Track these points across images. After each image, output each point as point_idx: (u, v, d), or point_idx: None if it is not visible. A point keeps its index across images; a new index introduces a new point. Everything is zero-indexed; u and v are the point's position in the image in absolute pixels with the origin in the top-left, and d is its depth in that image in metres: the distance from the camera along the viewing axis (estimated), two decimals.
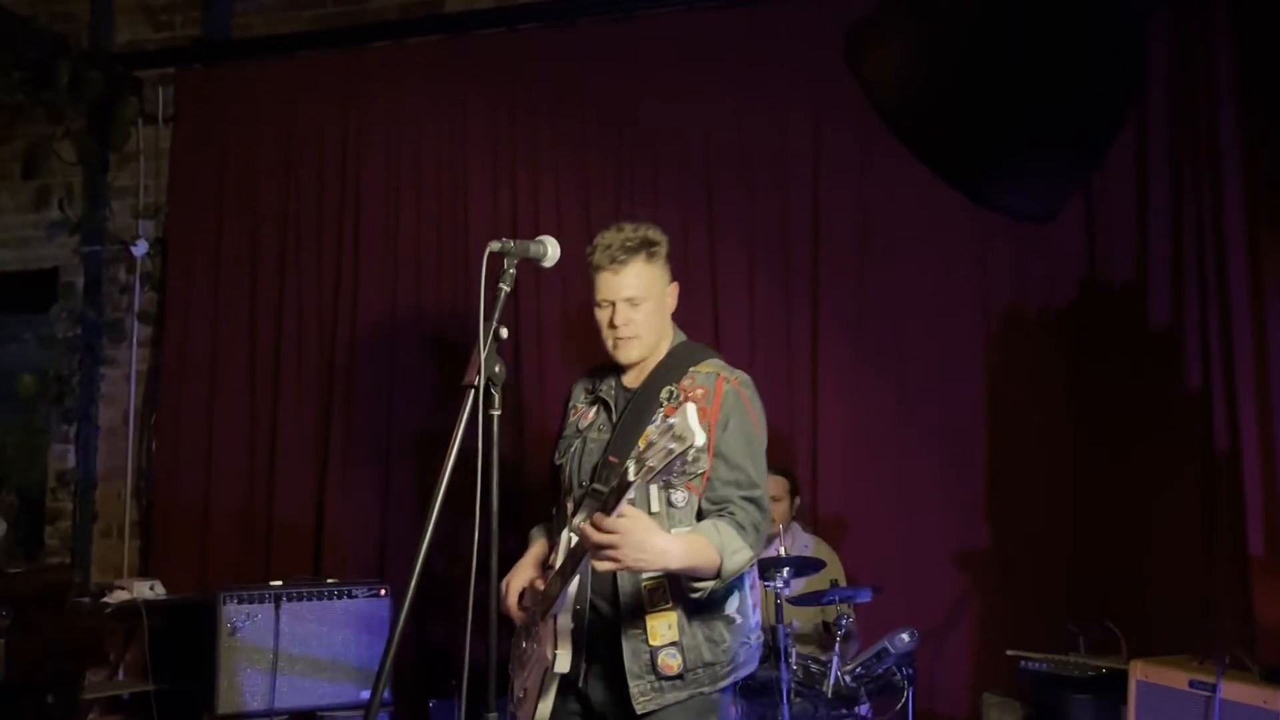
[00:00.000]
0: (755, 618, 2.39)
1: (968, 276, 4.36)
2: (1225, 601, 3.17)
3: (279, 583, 3.90)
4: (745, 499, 2.24)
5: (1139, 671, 2.94)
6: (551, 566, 2.31)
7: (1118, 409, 3.92)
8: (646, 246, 2.37)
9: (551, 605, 2.22)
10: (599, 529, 2.00)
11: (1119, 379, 3.92)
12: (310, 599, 3.86)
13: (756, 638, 2.38)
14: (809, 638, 3.91)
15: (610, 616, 2.25)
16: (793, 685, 3.25)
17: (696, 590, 2.17)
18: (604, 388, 2.47)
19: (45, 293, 5.00)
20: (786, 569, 3.31)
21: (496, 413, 1.94)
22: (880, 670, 3.43)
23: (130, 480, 4.83)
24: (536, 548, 2.53)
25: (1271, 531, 2.75)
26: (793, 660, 3.32)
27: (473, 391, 1.91)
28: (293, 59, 4.86)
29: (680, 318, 4.45)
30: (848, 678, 3.41)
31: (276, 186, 4.73)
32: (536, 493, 4.42)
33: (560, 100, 4.58)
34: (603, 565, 2.04)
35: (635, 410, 2.33)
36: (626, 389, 2.43)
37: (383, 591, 3.93)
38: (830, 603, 3.54)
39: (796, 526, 4.07)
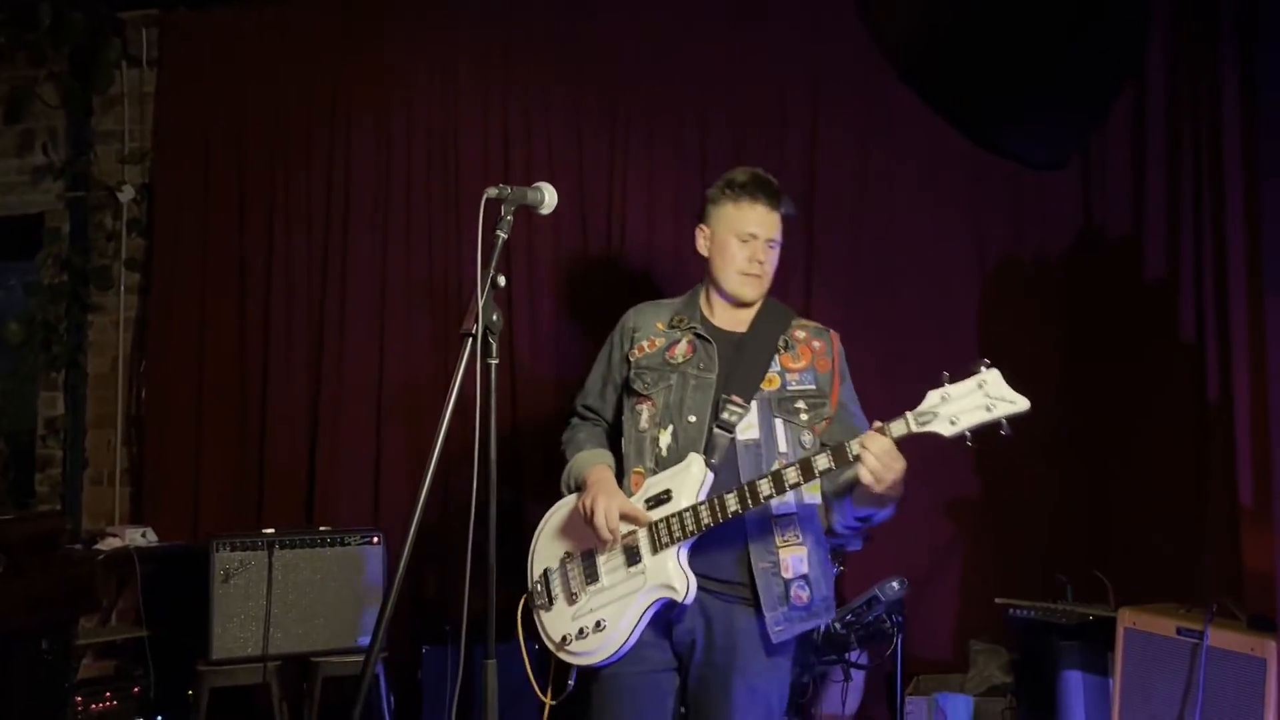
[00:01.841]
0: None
1: (963, 226, 4.35)
2: (1214, 550, 3.20)
3: (271, 530, 3.91)
4: None
5: (1126, 619, 2.97)
6: (664, 499, 2.31)
7: (1111, 358, 3.94)
8: (781, 197, 2.51)
9: (675, 536, 2.26)
10: (879, 452, 2.14)
11: (1113, 328, 3.93)
12: (303, 546, 3.87)
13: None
14: None
15: (739, 549, 2.31)
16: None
17: (860, 523, 2.33)
18: (694, 325, 2.51)
19: (31, 239, 4.94)
20: None
21: (494, 361, 1.93)
22: (870, 618, 3.47)
23: (120, 427, 4.81)
24: (606, 470, 2.47)
25: (1261, 481, 2.77)
26: None
27: (470, 340, 1.90)
28: (280, 1, 4.77)
29: (673, 281, 4.45)
30: (838, 625, 3.45)
31: (264, 131, 4.67)
32: (529, 442, 4.44)
33: (553, 48, 4.51)
34: (871, 479, 2.15)
35: (747, 353, 2.42)
36: (722, 330, 2.49)
37: (375, 539, 3.94)
38: None
39: None
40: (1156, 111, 3.62)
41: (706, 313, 2.53)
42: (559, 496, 2.61)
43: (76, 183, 4.88)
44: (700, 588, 2.28)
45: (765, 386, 2.32)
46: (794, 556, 2.29)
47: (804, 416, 2.35)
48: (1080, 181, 4.10)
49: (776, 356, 2.41)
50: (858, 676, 3.68)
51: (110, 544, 4.15)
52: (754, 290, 2.48)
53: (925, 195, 4.31)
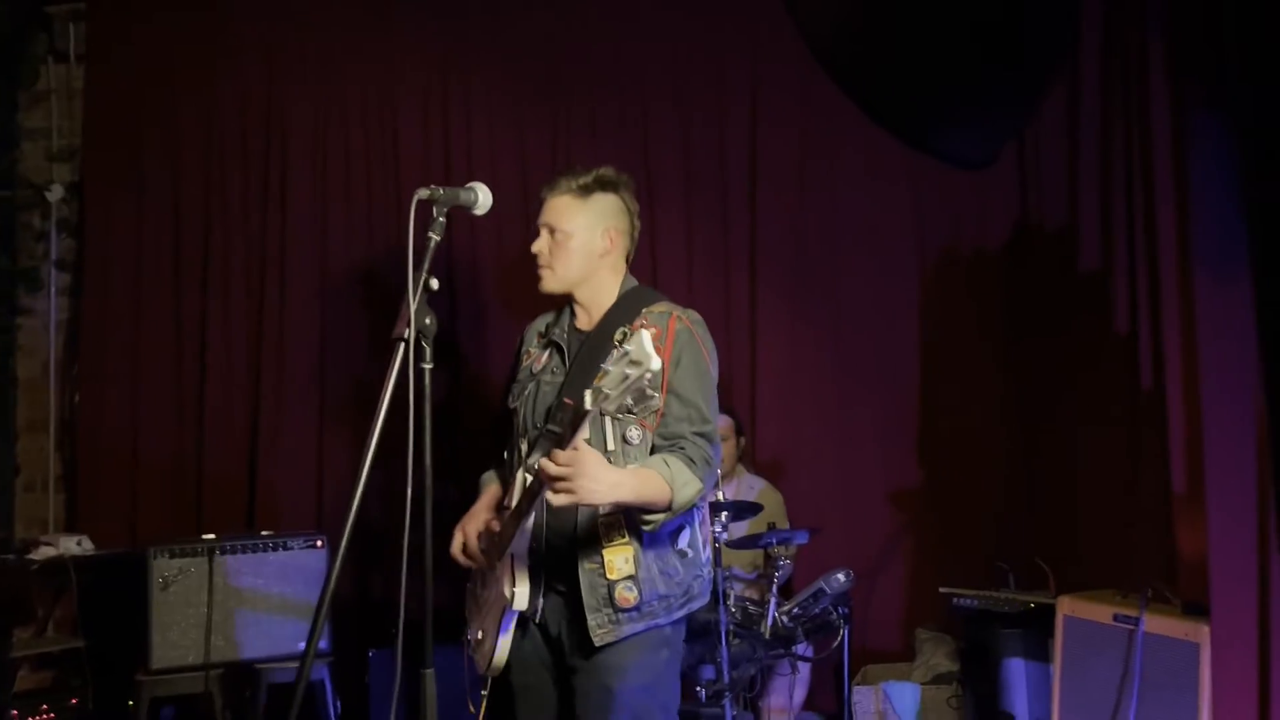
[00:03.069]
0: (706, 553, 2.45)
1: (904, 216, 4.40)
2: (1149, 538, 3.26)
3: (212, 536, 3.84)
4: (697, 434, 2.27)
5: (1066, 606, 3.02)
6: (507, 508, 2.32)
7: (1048, 350, 3.99)
8: (589, 186, 2.38)
9: (508, 544, 2.23)
10: (555, 463, 2.01)
11: (1050, 321, 3.99)
12: (245, 552, 3.80)
13: (707, 572, 2.43)
14: (753, 582, 3.96)
15: (566, 552, 2.27)
16: (731, 627, 3.29)
17: (648, 523, 2.21)
18: (556, 331, 2.47)
19: None
20: (725, 513, 3.33)
21: (428, 366, 1.90)
22: (817, 610, 3.49)
23: (53, 432, 4.69)
24: (489, 492, 2.54)
25: (1194, 469, 2.81)
26: (731, 602, 3.36)
27: (402, 344, 1.87)
28: None
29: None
30: (785, 618, 3.46)
31: (198, 127, 4.56)
32: (473, 440, 4.41)
33: (493, 35, 4.48)
34: (558, 499, 2.05)
35: (589, 352, 2.34)
36: (580, 331, 2.44)
37: (319, 543, 3.88)
38: (767, 546, 3.58)
39: (741, 468, 4.10)
40: (1090, 105, 3.67)
41: (574, 319, 2.47)
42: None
43: (2, 181, 4.74)
44: (555, 591, 2.30)
45: (597, 382, 2.09)
46: (620, 557, 2.23)
47: (632, 411, 2.16)
48: (1016, 173, 4.15)
49: (614, 350, 2.22)
50: (804, 668, 3.70)
51: (45, 553, 4.04)
52: (544, 283, 2.42)
53: (866, 178, 4.36)
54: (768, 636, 3.41)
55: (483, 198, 2.10)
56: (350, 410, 4.41)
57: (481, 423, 4.43)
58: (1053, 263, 3.93)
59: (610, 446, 2.26)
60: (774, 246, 4.46)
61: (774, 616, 3.43)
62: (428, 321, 1.90)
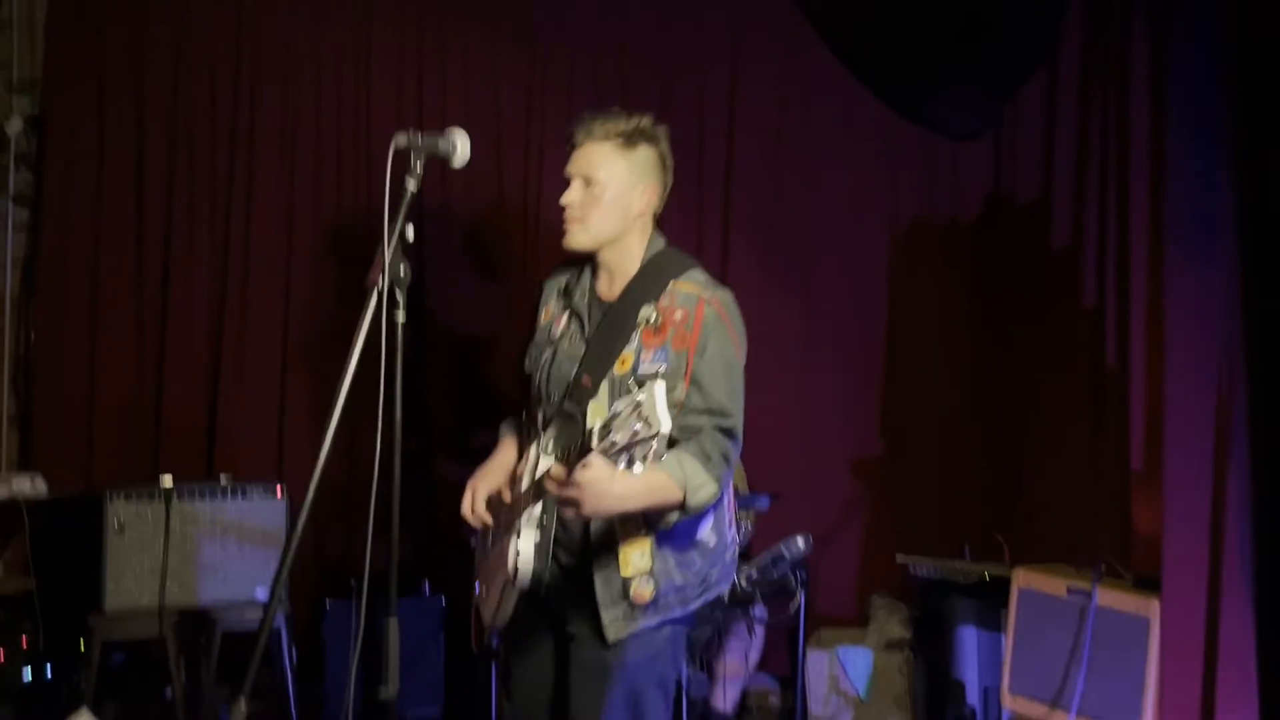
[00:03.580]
0: (730, 533, 2.32)
1: (877, 185, 4.41)
2: (1105, 513, 3.32)
3: (169, 481, 3.79)
4: (717, 428, 2.14)
5: (1020, 578, 3.06)
6: (520, 478, 2.24)
7: (1016, 324, 4.03)
8: (625, 135, 2.20)
9: (516, 521, 2.16)
10: (560, 482, 1.93)
11: (1019, 295, 4.02)
12: (202, 498, 3.76)
13: (731, 555, 2.32)
14: None
15: (580, 543, 2.18)
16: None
17: (664, 523, 2.12)
18: (578, 295, 2.31)
19: None
20: None
21: (401, 316, 1.87)
22: (775, 574, 3.52)
23: (8, 371, 4.59)
24: (505, 451, 2.42)
25: (1152, 447, 2.86)
26: None
27: (376, 293, 1.83)
28: None
29: None
30: (743, 581, 3.49)
31: (164, 64, 4.42)
32: (440, 395, 4.38)
33: None
34: (566, 513, 2.00)
35: (609, 327, 2.20)
36: (601, 300, 2.28)
37: (279, 492, 3.85)
38: None
39: None
40: (1068, 80, 3.68)
41: (596, 280, 2.31)
42: (470, 450, 2.57)
43: None
44: (561, 566, 2.21)
45: (618, 369, 2.08)
46: (636, 553, 2.13)
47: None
48: (992, 148, 4.16)
49: (638, 332, 2.17)
50: (760, 631, 3.74)
51: None
52: (570, 234, 2.23)
53: (843, 144, 4.36)
54: (725, 599, 3.44)
55: (461, 148, 2.04)
56: (314, 359, 4.35)
57: (448, 376, 4.41)
58: (1024, 236, 3.96)
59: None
60: (748, 210, 4.45)
61: (684, 612, 3.44)
62: (402, 272, 1.86)
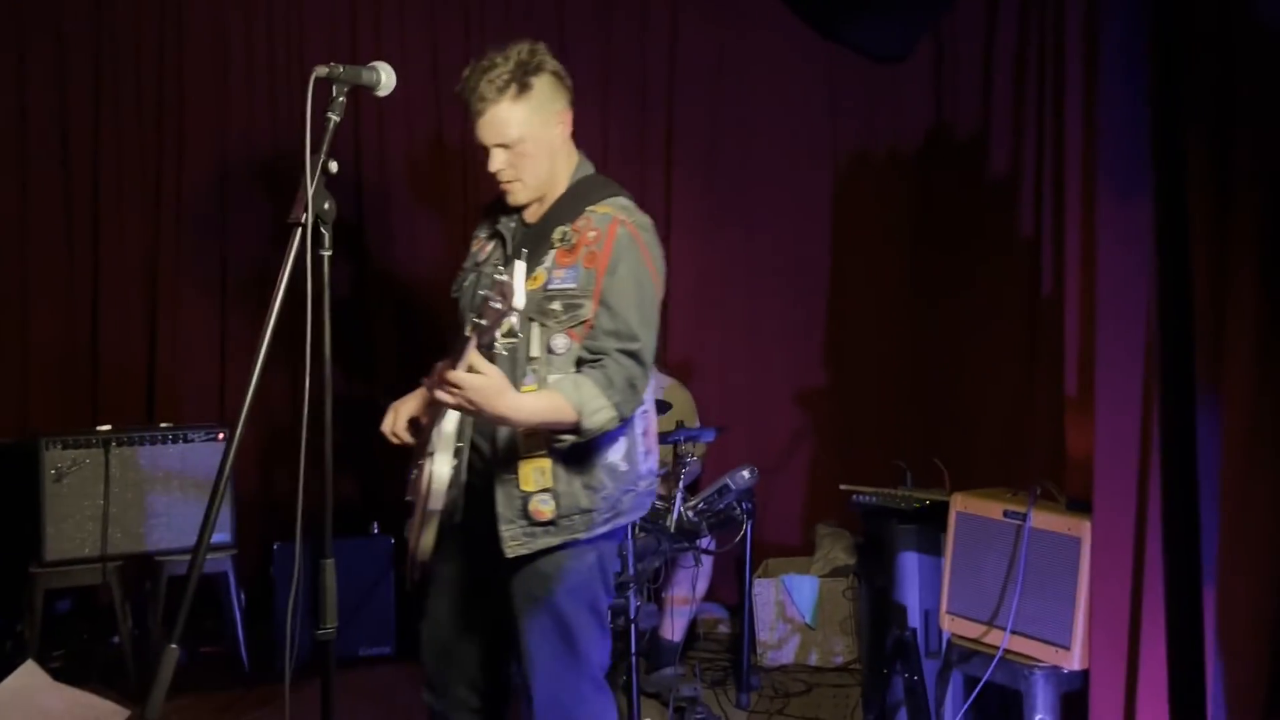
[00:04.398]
0: (648, 464, 2.30)
1: (818, 118, 4.40)
2: (1041, 438, 3.38)
3: (108, 427, 3.73)
4: (622, 351, 2.12)
5: (959, 503, 3.11)
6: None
7: (955, 254, 4.06)
8: (516, 80, 2.12)
9: (430, 443, 2.16)
10: (448, 380, 1.92)
11: (959, 225, 4.05)
12: (142, 444, 3.72)
13: (647, 484, 2.30)
14: (661, 478, 4.02)
15: (489, 458, 2.19)
16: (637, 521, 3.33)
17: (558, 442, 2.12)
18: (503, 220, 2.31)
19: None
20: None
21: (327, 253, 1.84)
22: (721, 506, 3.56)
23: None
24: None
25: (1085, 374, 2.91)
26: None
27: (299, 230, 1.80)
28: None
29: None
30: (690, 513, 3.53)
31: (87, 6, 4.26)
32: (382, 332, 4.34)
33: None
34: (446, 401, 1.97)
35: (528, 247, 2.19)
36: (526, 224, 2.28)
37: (220, 435, 3.81)
38: (675, 442, 3.62)
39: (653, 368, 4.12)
40: (1007, 10, 3.67)
41: (525, 208, 2.29)
42: (413, 388, 2.53)
43: None
44: (476, 492, 2.21)
45: (530, 286, 2.04)
46: (535, 470, 2.12)
47: (561, 318, 2.13)
48: (932, 76, 4.16)
49: (552, 251, 2.16)
50: (707, 561, 3.79)
51: None
52: (514, 196, 2.22)
53: (784, 75, 4.33)
54: (673, 531, 3.48)
55: (385, 78, 2.00)
56: (253, 300, 4.29)
57: (389, 314, 4.36)
58: (964, 166, 3.98)
59: (534, 353, 2.14)
60: (690, 141, 4.43)
61: (679, 511, 3.49)
62: (326, 206, 1.82)
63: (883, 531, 3.44)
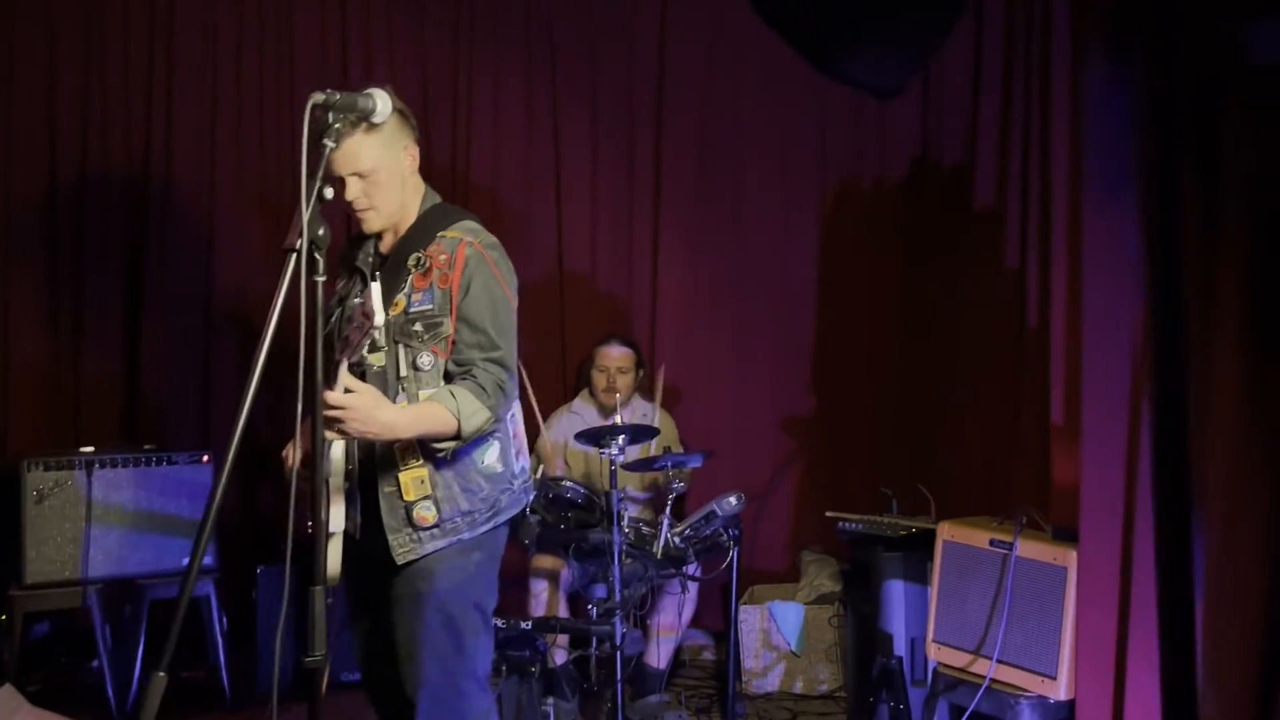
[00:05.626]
0: (520, 463, 2.47)
1: (806, 147, 4.42)
2: (1028, 468, 3.39)
3: (90, 449, 3.70)
4: (487, 360, 2.30)
5: (945, 531, 3.12)
6: None
7: (942, 284, 4.09)
8: (370, 119, 2.21)
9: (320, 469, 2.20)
10: (326, 402, 2.01)
11: (945, 256, 4.08)
12: (125, 466, 3.69)
13: (522, 483, 2.47)
14: (648, 504, 4.01)
15: (371, 475, 2.32)
16: (624, 547, 3.33)
17: (439, 450, 2.26)
18: (360, 255, 2.45)
19: None
20: (621, 436, 3.35)
21: (321, 278, 1.84)
22: (708, 532, 3.55)
23: None
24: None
25: (1072, 402, 2.93)
26: (625, 524, 3.40)
27: (294, 255, 1.80)
28: None
29: (523, 188, 4.36)
30: (677, 539, 3.52)
31: (76, 16, 4.26)
32: None
33: None
34: (331, 435, 2.08)
35: (386, 278, 2.33)
36: (382, 255, 2.42)
37: (205, 458, 3.79)
38: (662, 468, 3.62)
39: (637, 396, 4.12)
40: (992, 43, 3.72)
41: (380, 240, 2.44)
42: None
43: None
44: (370, 509, 2.32)
45: (392, 312, 2.26)
46: (414, 479, 2.29)
47: (424, 338, 2.30)
48: (919, 107, 4.20)
49: (410, 277, 2.33)
50: (693, 587, 3.78)
51: None
52: (367, 224, 2.36)
53: (772, 103, 4.37)
54: (659, 557, 3.47)
55: (381, 105, 2.02)
56: (238, 322, 4.27)
57: None
58: (950, 197, 4.01)
59: (402, 372, 2.29)
60: (678, 168, 4.45)
61: (666, 537, 3.48)
62: (321, 232, 1.83)
63: (869, 559, 3.44)
